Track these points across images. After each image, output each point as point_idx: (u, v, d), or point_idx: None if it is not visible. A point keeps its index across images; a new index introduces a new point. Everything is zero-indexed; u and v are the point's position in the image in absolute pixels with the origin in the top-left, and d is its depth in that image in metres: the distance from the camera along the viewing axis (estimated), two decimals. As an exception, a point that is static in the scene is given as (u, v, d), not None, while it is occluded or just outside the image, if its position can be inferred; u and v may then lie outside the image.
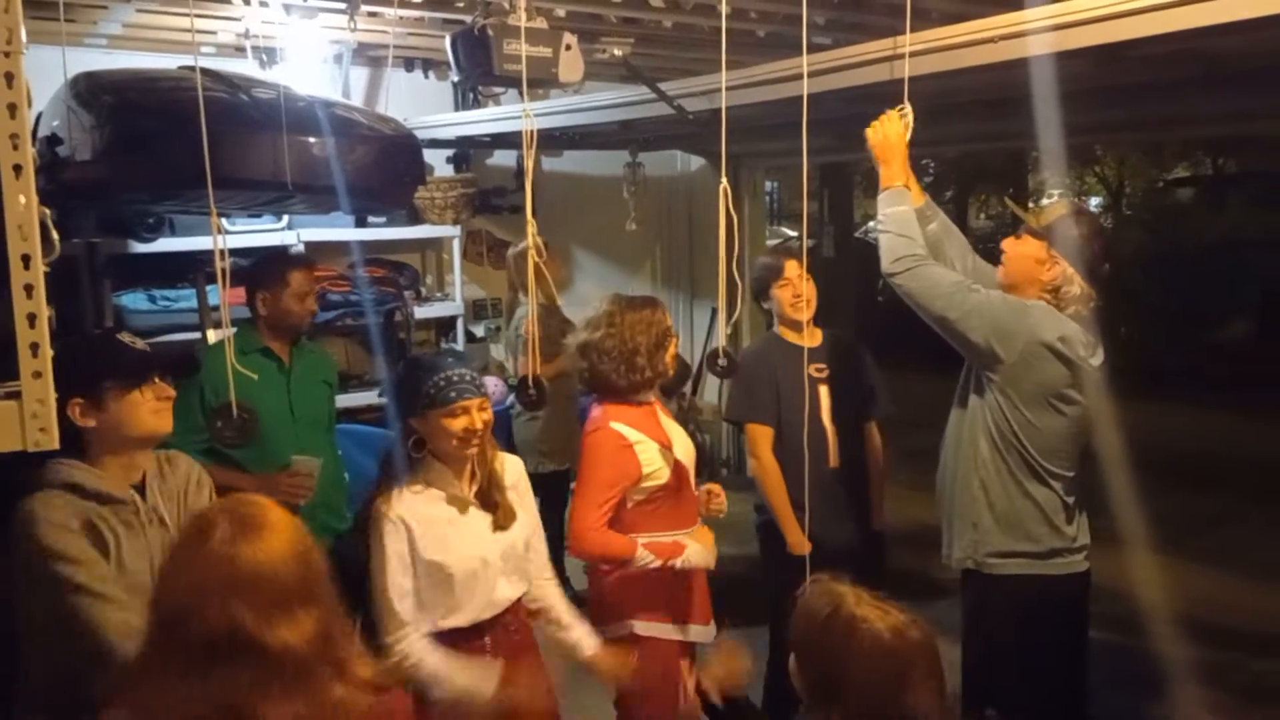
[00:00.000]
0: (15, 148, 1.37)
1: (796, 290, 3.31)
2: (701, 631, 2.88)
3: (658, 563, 2.67)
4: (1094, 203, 17.05)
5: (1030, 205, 14.57)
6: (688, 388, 6.06)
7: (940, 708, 1.55)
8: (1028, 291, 2.65)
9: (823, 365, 3.34)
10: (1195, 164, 15.38)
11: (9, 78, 1.36)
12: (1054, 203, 2.73)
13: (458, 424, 2.31)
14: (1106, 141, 11.68)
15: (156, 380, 2.09)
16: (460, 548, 2.34)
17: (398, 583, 2.27)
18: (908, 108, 2.64)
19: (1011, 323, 2.56)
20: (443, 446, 2.35)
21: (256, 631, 1.39)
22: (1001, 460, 2.63)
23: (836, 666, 1.61)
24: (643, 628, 2.76)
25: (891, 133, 2.67)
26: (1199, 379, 8.83)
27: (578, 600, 3.22)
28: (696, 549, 2.72)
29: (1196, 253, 10.21)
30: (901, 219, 2.64)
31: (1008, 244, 2.74)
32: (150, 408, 2.07)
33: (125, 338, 2.12)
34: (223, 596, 1.40)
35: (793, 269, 3.34)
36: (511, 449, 4.36)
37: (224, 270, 2.24)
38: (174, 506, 2.18)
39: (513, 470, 2.55)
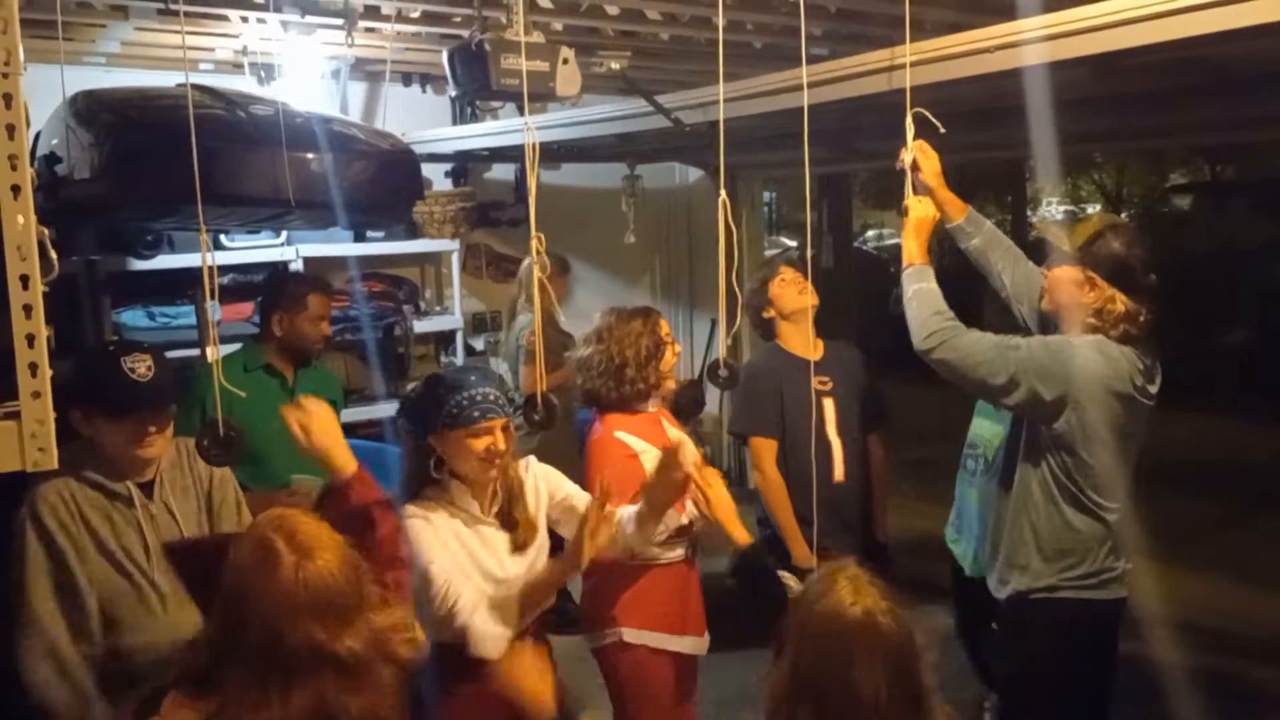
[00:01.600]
0: (14, 168, 1.37)
1: (800, 286, 3.32)
2: (696, 643, 2.88)
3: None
4: (1093, 211, 17.08)
5: (1067, 215, 14.59)
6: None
7: (888, 694, 1.54)
8: (1074, 317, 2.52)
9: (826, 378, 3.32)
10: (1194, 170, 15.40)
11: (7, 99, 1.36)
12: (1084, 221, 2.61)
13: (480, 444, 2.26)
14: (1106, 149, 11.70)
15: (145, 415, 2.13)
16: (475, 575, 2.30)
17: (441, 565, 2.25)
18: (926, 147, 2.60)
19: (1059, 371, 2.43)
20: (463, 467, 2.30)
21: (330, 645, 1.55)
22: (1054, 504, 2.53)
23: (799, 628, 1.65)
24: (632, 635, 2.77)
25: (917, 214, 2.61)
26: (1200, 385, 8.81)
27: (574, 616, 3.24)
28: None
29: (1196, 259, 10.20)
30: (925, 295, 2.54)
31: (1048, 273, 2.60)
32: (127, 437, 2.13)
33: (129, 361, 2.13)
34: (301, 619, 1.55)
35: (787, 271, 3.37)
36: None
37: (215, 286, 2.24)
38: (190, 500, 2.26)
39: (535, 475, 2.50)
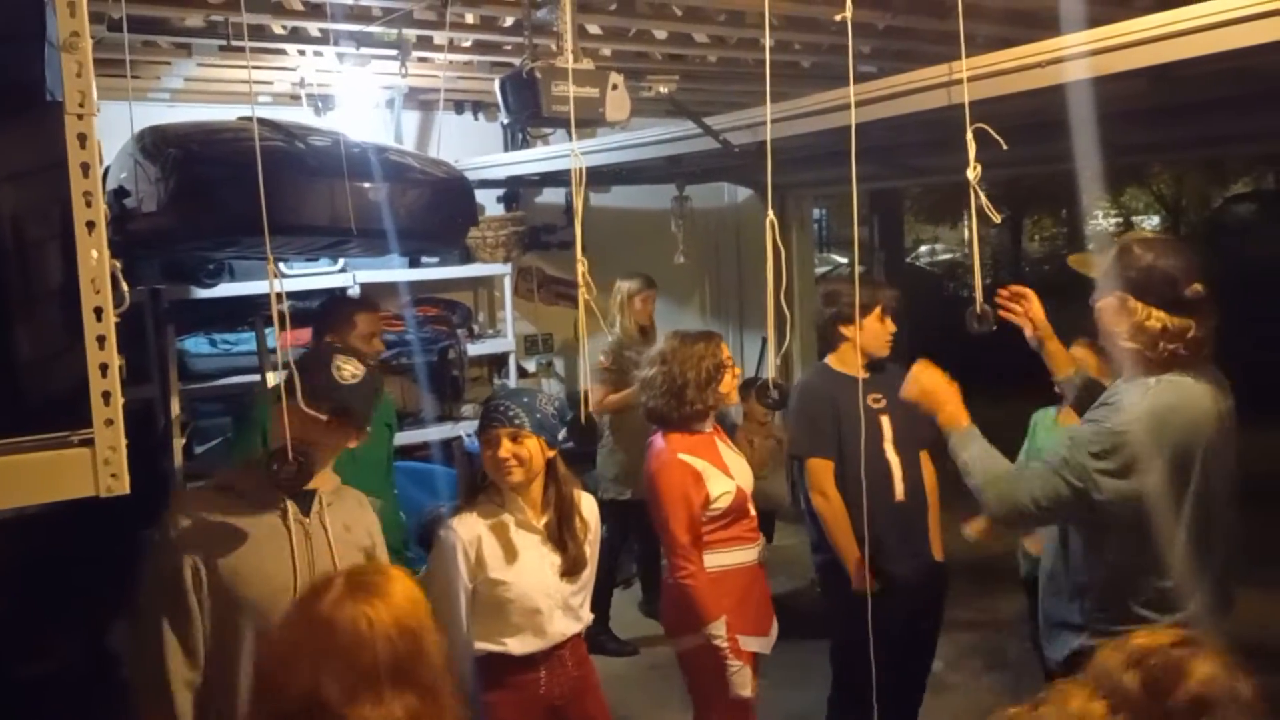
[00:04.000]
0: (88, 205, 1.42)
1: (891, 329, 3.30)
2: (764, 642, 2.98)
3: (722, 643, 2.78)
4: (1152, 223, 16.77)
5: (1121, 228, 14.18)
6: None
7: None
8: (1114, 346, 2.33)
9: (879, 395, 3.29)
10: (1257, 179, 15.05)
11: (82, 138, 1.41)
12: (1108, 247, 2.39)
13: (488, 452, 2.44)
14: (1163, 159, 11.48)
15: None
16: (525, 573, 2.40)
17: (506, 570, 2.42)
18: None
19: (1129, 450, 2.17)
20: (489, 472, 2.47)
21: (336, 705, 1.34)
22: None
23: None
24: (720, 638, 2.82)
25: (928, 381, 2.53)
26: (1262, 398, 8.57)
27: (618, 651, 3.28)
28: (746, 675, 2.83)
29: (1258, 270, 9.95)
30: (981, 457, 2.36)
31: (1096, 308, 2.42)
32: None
33: (338, 361, 2.18)
34: (313, 662, 1.38)
35: (889, 306, 3.31)
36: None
37: (281, 314, 2.29)
38: (339, 524, 2.22)
39: (588, 507, 2.61)
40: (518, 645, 2.40)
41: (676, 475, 2.85)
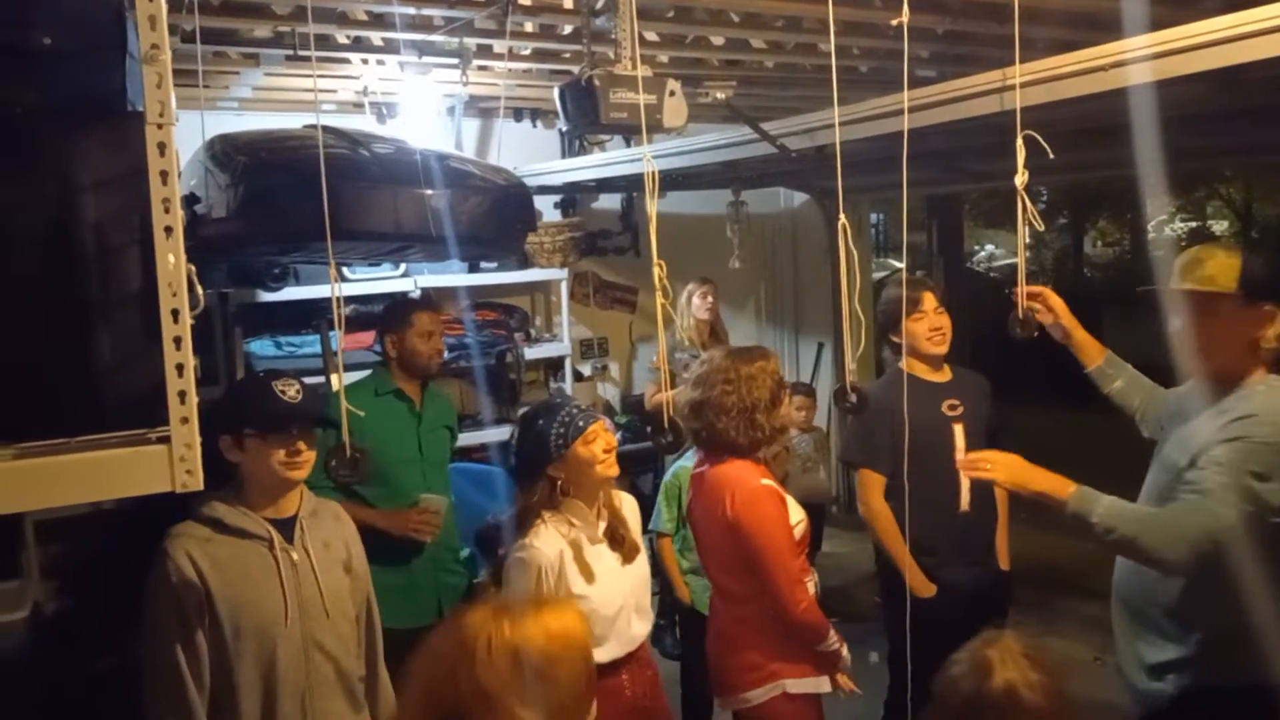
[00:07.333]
0: (166, 211, 1.48)
1: (934, 324, 3.23)
2: (825, 681, 2.75)
3: (837, 646, 2.65)
4: (1221, 227, 16.34)
5: (1190, 234, 13.80)
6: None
7: None
8: (1247, 363, 2.25)
9: (955, 402, 3.24)
10: (1330, 183, 14.60)
11: (161, 147, 1.47)
12: (1216, 258, 2.27)
13: (597, 446, 2.44)
14: (1233, 164, 11.19)
15: (294, 432, 2.20)
16: (603, 584, 2.43)
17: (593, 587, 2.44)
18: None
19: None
20: (587, 477, 2.45)
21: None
22: None
23: (943, 705, 1.58)
24: (795, 685, 2.65)
25: (1006, 466, 2.24)
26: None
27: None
28: (847, 651, 2.70)
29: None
30: (1116, 508, 2.15)
31: (1187, 330, 2.29)
32: (279, 459, 2.19)
33: (280, 385, 2.23)
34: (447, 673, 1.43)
35: (929, 301, 3.24)
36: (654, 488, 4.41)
37: (342, 316, 2.36)
38: (318, 543, 2.29)
39: (629, 506, 2.62)
40: (602, 654, 2.36)
41: (771, 503, 2.60)
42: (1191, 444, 2.23)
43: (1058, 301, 2.63)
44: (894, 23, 2.20)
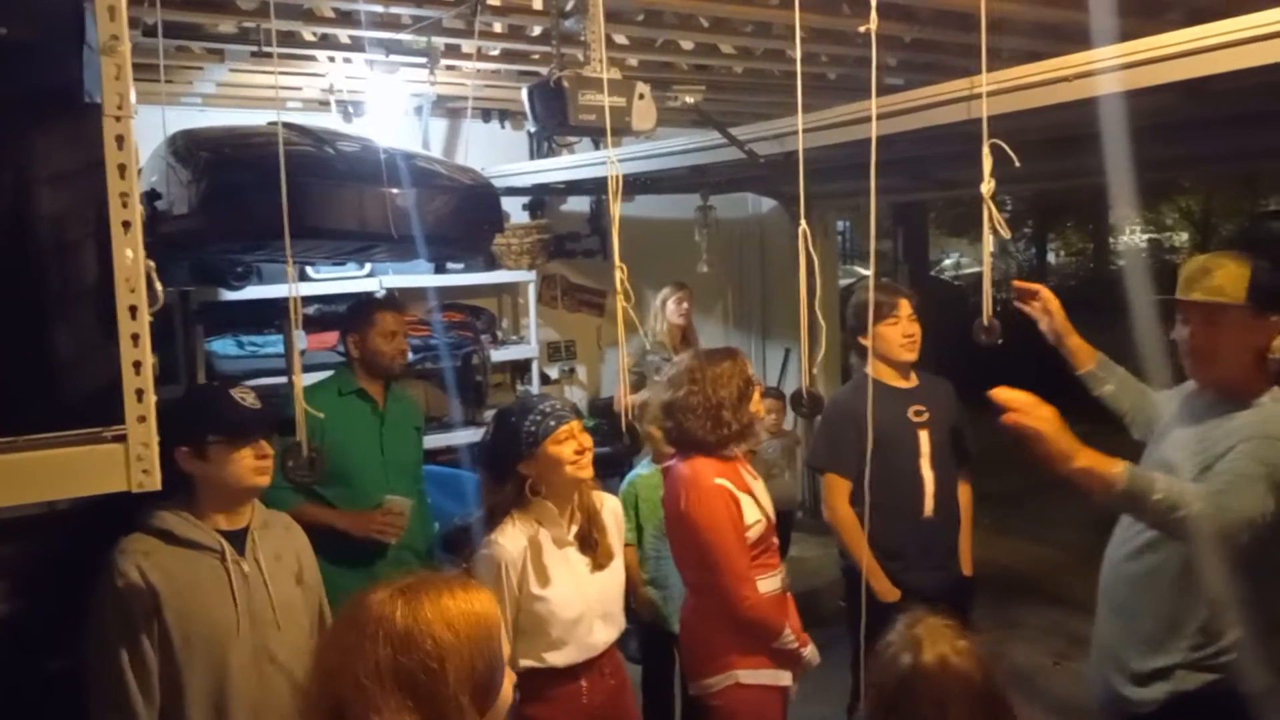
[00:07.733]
0: (124, 205, 1.45)
1: (908, 330, 3.24)
2: (788, 675, 2.81)
3: (794, 645, 2.70)
4: (1181, 239, 16.63)
5: (1151, 244, 14.08)
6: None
7: None
8: (1254, 374, 2.23)
9: (921, 408, 3.25)
10: (1287, 195, 14.91)
11: (119, 140, 1.44)
12: (1225, 268, 2.23)
13: (568, 448, 2.40)
14: (1194, 174, 11.39)
15: (260, 439, 2.18)
16: (562, 587, 2.39)
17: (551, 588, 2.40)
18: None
19: None
20: (557, 477, 2.41)
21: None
22: None
23: (879, 684, 1.64)
24: (747, 676, 2.70)
25: (1051, 421, 2.02)
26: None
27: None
28: (812, 650, 2.78)
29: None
30: (1173, 483, 2.08)
31: (1194, 339, 2.27)
32: (250, 464, 2.17)
33: (238, 393, 2.21)
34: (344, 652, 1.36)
35: (905, 308, 3.25)
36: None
37: (299, 316, 2.34)
38: (269, 555, 2.26)
39: (610, 508, 2.59)
40: (559, 658, 2.37)
41: (720, 501, 2.65)
42: (1205, 443, 2.22)
43: (1055, 303, 2.62)
44: (862, 29, 2.20)
